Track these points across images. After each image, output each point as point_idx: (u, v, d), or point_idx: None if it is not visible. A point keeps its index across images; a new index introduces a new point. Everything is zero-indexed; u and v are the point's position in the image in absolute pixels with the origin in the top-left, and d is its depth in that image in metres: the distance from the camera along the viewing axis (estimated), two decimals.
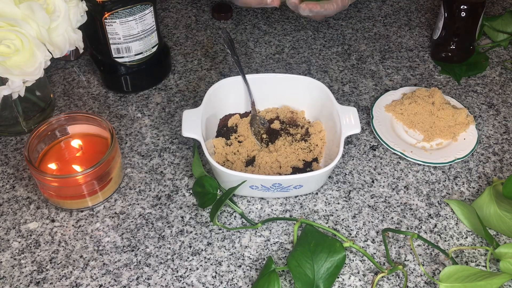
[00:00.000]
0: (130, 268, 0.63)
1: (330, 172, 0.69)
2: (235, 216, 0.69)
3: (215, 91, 0.75)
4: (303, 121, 0.78)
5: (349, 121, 0.70)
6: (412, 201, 0.71)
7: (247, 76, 0.77)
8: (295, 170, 0.72)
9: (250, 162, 0.73)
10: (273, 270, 0.59)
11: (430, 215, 0.70)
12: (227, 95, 0.77)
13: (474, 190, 0.73)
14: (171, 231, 0.67)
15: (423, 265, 0.64)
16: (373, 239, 0.67)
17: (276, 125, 0.77)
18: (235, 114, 0.79)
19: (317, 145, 0.74)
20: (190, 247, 0.66)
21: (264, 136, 0.76)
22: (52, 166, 0.69)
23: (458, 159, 0.75)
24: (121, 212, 0.69)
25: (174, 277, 0.63)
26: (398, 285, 0.62)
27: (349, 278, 0.63)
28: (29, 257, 0.64)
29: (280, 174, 0.71)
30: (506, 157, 0.77)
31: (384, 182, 0.73)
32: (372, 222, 0.69)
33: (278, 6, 0.75)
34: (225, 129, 0.77)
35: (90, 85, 0.87)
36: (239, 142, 0.75)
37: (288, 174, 0.71)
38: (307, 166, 0.73)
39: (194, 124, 0.69)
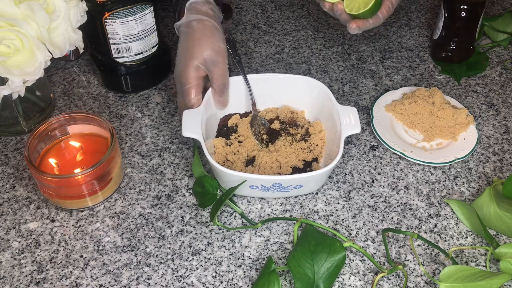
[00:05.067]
0: (130, 268, 0.63)
1: (330, 172, 0.69)
2: (235, 216, 0.69)
3: None
4: (303, 121, 0.78)
5: (349, 121, 0.70)
6: (412, 201, 0.71)
7: (248, 76, 0.77)
8: (295, 170, 0.72)
9: (250, 162, 0.73)
10: (273, 270, 0.59)
11: (430, 215, 0.70)
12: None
13: (474, 190, 0.73)
14: (171, 231, 0.67)
15: (423, 265, 0.64)
16: (373, 239, 0.67)
17: (276, 125, 0.77)
18: (235, 114, 0.79)
19: (317, 145, 0.74)
20: (190, 247, 0.66)
21: (264, 136, 0.76)
22: (52, 166, 0.69)
23: (458, 159, 0.75)
24: (121, 212, 0.69)
25: (174, 277, 0.63)
26: (398, 285, 0.62)
27: (349, 278, 0.63)
28: (29, 257, 0.64)
29: (280, 174, 0.71)
30: (506, 157, 0.77)
31: (384, 182, 0.73)
32: (372, 222, 0.69)
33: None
34: (225, 129, 0.77)
35: (90, 85, 0.87)
36: (239, 142, 0.75)
37: (288, 174, 0.71)
38: (307, 166, 0.73)
39: (194, 124, 0.69)
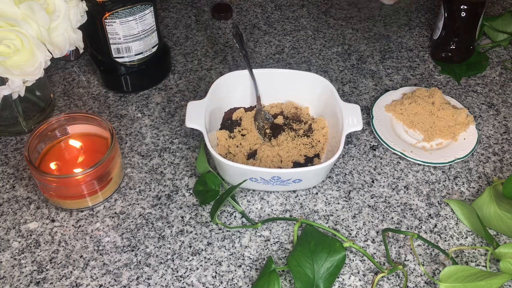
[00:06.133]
0: (130, 268, 0.63)
1: (330, 168, 0.69)
2: (235, 216, 0.69)
3: (221, 84, 0.75)
4: (307, 117, 0.79)
5: (351, 118, 0.70)
6: (412, 201, 0.71)
7: (254, 71, 0.77)
8: (296, 165, 0.72)
9: (252, 155, 0.73)
10: (273, 270, 0.59)
11: (430, 215, 0.70)
12: (233, 89, 0.78)
13: (474, 190, 0.73)
14: (171, 231, 0.67)
15: (423, 265, 0.64)
16: (373, 239, 0.67)
17: (279, 120, 0.78)
18: (240, 108, 0.79)
19: (319, 141, 0.75)
20: (190, 247, 0.66)
21: (268, 130, 0.76)
22: (52, 166, 0.69)
23: (458, 159, 0.75)
24: (121, 212, 0.69)
25: (174, 277, 0.63)
26: (398, 285, 0.62)
27: (349, 278, 0.63)
28: (29, 257, 0.64)
29: (281, 168, 0.71)
30: (506, 157, 0.77)
31: (384, 182, 0.73)
32: (372, 222, 0.69)
33: None
34: (229, 122, 0.78)
35: (90, 85, 0.87)
36: (242, 135, 0.75)
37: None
38: (309, 162, 0.73)
39: (198, 115, 0.70)
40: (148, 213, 0.69)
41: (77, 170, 0.68)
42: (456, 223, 0.69)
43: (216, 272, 0.63)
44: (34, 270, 0.63)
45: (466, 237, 0.67)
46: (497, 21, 0.97)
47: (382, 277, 0.63)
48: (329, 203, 0.71)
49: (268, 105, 0.81)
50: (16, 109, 0.76)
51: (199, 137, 0.79)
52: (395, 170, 0.75)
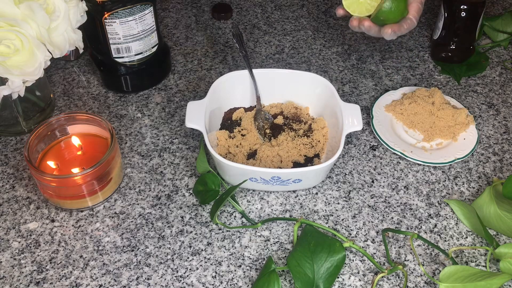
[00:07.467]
0: (130, 268, 0.63)
1: (330, 168, 0.69)
2: (235, 216, 0.69)
3: (221, 84, 0.76)
4: (307, 117, 0.79)
5: (351, 118, 0.70)
6: (412, 201, 0.71)
7: (254, 71, 0.77)
8: (296, 165, 0.72)
9: (252, 155, 0.73)
10: (273, 270, 0.59)
11: (430, 215, 0.70)
12: (233, 89, 0.78)
13: (474, 190, 0.73)
14: (171, 231, 0.67)
15: (423, 265, 0.64)
16: (373, 239, 0.67)
17: (279, 120, 0.78)
18: (240, 108, 0.79)
19: (319, 141, 0.75)
20: (190, 247, 0.66)
21: (268, 130, 0.76)
22: (52, 166, 0.69)
23: (458, 159, 0.75)
24: (121, 212, 0.69)
25: (174, 277, 0.63)
26: (398, 285, 0.62)
27: (349, 278, 0.63)
28: (29, 257, 0.64)
29: (281, 168, 0.71)
30: (506, 157, 0.77)
31: (384, 182, 0.73)
32: (372, 222, 0.69)
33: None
34: (229, 122, 0.78)
35: (90, 85, 0.87)
36: (242, 135, 0.75)
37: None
38: (309, 162, 0.73)
39: (198, 115, 0.70)
40: (148, 213, 0.69)
41: (77, 170, 0.68)
42: (456, 223, 0.69)
43: (216, 272, 0.63)
44: (34, 270, 0.63)
45: (466, 237, 0.67)
46: (497, 21, 0.97)
47: (382, 277, 0.63)
48: (329, 203, 0.71)
49: (268, 105, 0.81)
50: (16, 109, 0.76)
51: (199, 137, 0.79)
52: (395, 170, 0.75)
